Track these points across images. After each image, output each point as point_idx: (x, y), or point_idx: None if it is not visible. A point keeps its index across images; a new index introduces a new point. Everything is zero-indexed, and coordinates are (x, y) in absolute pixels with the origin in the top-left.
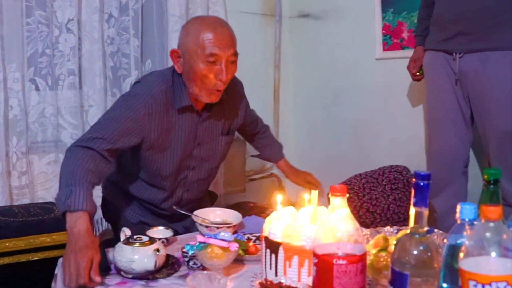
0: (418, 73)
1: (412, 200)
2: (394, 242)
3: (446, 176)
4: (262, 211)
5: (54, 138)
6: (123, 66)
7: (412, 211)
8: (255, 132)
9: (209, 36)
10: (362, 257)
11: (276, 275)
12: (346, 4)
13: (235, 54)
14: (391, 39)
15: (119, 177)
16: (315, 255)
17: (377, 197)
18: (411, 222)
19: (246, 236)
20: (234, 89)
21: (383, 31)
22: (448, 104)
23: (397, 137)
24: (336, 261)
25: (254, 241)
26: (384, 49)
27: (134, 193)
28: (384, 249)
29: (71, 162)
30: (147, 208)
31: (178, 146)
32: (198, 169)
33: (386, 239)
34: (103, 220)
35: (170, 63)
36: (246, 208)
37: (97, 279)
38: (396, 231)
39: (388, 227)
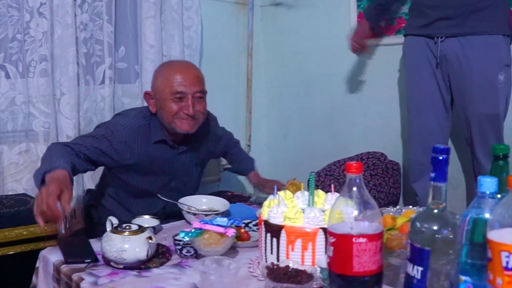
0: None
1: (431, 175)
2: (401, 222)
3: (426, 160)
4: (241, 200)
5: (25, 127)
6: (96, 52)
7: (431, 186)
8: (227, 149)
9: (176, 77)
10: (381, 235)
11: (277, 260)
12: None
13: (202, 91)
14: None
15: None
16: (332, 234)
17: None
18: (429, 198)
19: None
20: (208, 126)
21: (359, 19)
22: (428, 89)
23: (371, 125)
24: (355, 239)
25: (244, 228)
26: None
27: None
28: (392, 228)
29: (51, 151)
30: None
31: (155, 176)
32: (176, 199)
33: (393, 219)
34: None
35: (144, 50)
36: (225, 198)
37: (67, 207)
38: (400, 210)
39: (391, 207)
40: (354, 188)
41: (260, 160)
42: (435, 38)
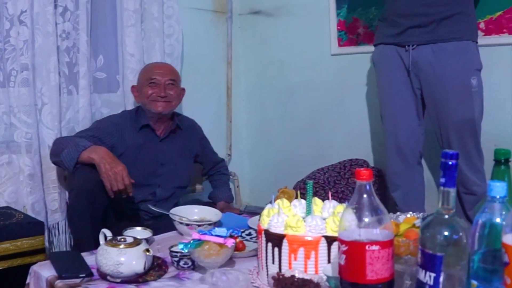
0: None
1: (440, 180)
2: (404, 228)
3: (402, 169)
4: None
5: (6, 138)
6: (79, 62)
7: (440, 191)
8: (211, 172)
9: (152, 68)
10: (392, 242)
11: (279, 269)
12: (299, 1)
13: (174, 79)
14: (347, 35)
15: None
16: (343, 242)
17: (342, 190)
18: (439, 203)
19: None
20: (191, 126)
21: (338, 27)
22: (400, 97)
23: (354, 132)
24: (369, 247)
25: (237, 237)
26: (340, 45)
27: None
28: (396, 234)
29: (63, 139)
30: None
31: (143, 161)
32: (164, 186)
33: (397, 225)
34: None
35: (125, 59)
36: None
37: (131, 181)
38: (398, 216)
39: (391, 213)
40: (365, 195)
41: (242, 169)
42: (406, 46)
